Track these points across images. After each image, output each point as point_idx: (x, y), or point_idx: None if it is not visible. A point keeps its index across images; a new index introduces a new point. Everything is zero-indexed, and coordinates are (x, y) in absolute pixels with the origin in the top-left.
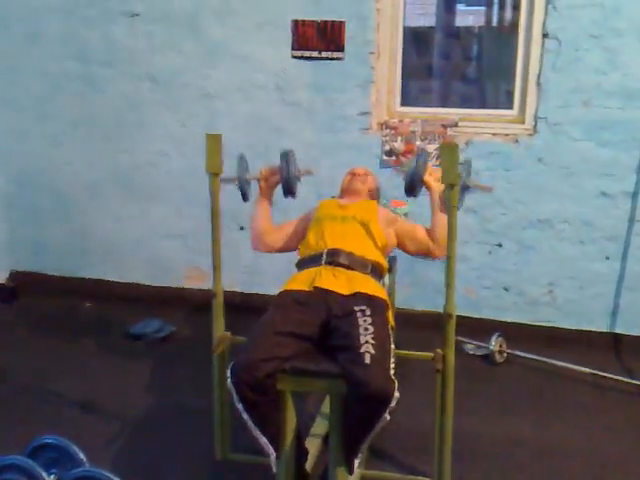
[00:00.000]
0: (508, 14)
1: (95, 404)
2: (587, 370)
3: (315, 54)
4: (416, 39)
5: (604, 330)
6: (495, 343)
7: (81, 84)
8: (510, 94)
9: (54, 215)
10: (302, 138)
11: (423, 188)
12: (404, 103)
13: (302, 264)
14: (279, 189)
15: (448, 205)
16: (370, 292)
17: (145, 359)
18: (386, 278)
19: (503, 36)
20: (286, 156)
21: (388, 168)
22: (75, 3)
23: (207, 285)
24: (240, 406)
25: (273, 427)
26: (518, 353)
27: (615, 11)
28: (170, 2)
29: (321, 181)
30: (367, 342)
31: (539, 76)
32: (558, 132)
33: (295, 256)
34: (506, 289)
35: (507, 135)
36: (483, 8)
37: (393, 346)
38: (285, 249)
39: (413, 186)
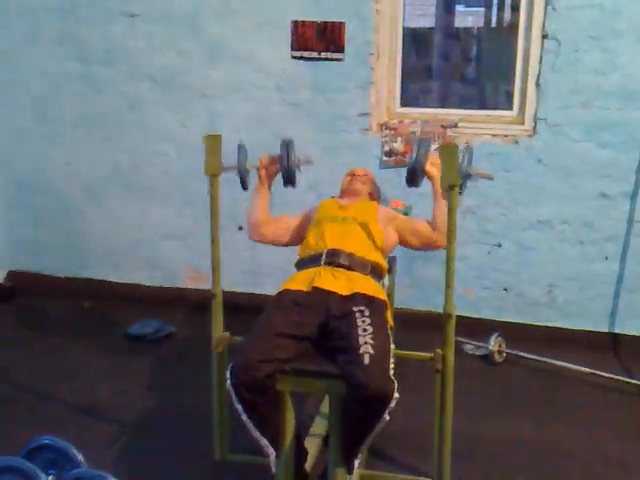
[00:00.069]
0: (507, 15)
1: (93, 404)
2: (586, 370)
3: (315, 55)
4: (416, 40)
5: (603, 330)
6: (494, 343)
7: (81, 84)
8: (509, 95)
9: (53, 215)
10: (302, 139)
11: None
12: (404, 104)
13: (301, 264)
14: (279, 180)
15: (448, 207)
16: (369, 292)
17: (144, 359)
18: (385, 278)
19: (502, 37)
20: (286, 145)
21: (388, 169)
22: (74, 3)
23: (206, 285)
24: (239, 407)
25: (272, 428)
26: (517, 353)
27: (615, 12)
28: (170, 2)
29: (321, 181)
30: (366, 343)
31: (538, 77)
32: (558, 133)
33: (294, 256)
34: (505, 289)
35: (507, 136)
36: (482, 9)
37: (392, 346)
38: (290, 243)
39: (415, 175)
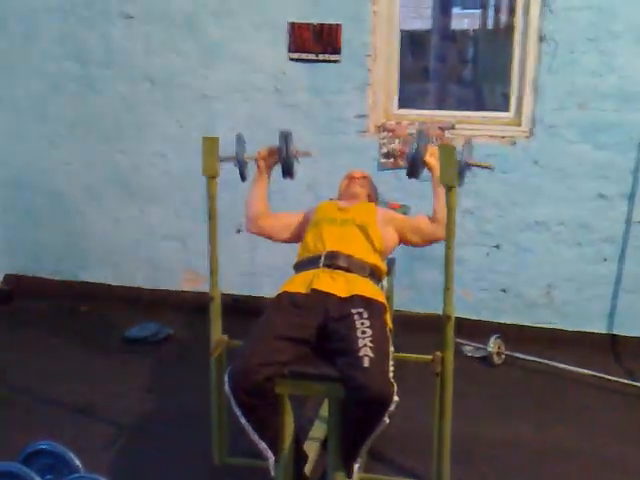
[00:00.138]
0: (503, 17)
1: (91, 407)
2: (586, 371)
3: (312, 56)
4: (412, 42)
5: (602, 331)
6: (493, 345)
7: (79, 85)
8: (506, 96)
9: (51, 216)
10: (300, 140)
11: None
12: (401, 105)
13: (300, 266)
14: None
15: (448, 207)
16: (368, 295)
17: (142, 362)
18: (384, 281)
19: (499, 39)
20: (285, 136)
21: (386, 170)
22: (73, 3)
23: (205, 288)
24: (238, 410)
25: (271, 431)
26: (516, 355)
27: (611, 14)
28: (169, 3)
29: (319, 183)
30: (365, 345)
31: (535, 79)
32: (554, 134)
33: (293, 258)
34: (504, 291)
35: (504, 137)
36: (478, 11)
37: (392, 349)
38: (289, 240)
39: (415, 167)
